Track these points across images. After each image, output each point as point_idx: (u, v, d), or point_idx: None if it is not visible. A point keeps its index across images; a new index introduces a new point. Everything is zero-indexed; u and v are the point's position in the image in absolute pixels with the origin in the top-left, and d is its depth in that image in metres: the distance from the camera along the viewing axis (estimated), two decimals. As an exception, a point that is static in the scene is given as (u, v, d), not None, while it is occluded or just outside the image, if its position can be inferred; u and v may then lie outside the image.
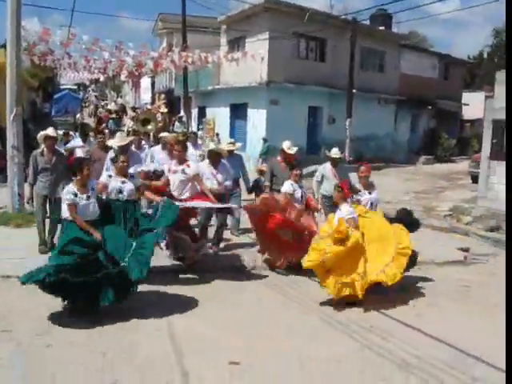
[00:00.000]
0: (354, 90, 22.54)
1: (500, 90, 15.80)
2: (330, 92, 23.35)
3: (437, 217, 14.48)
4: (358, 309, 6.50)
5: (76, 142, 12.07)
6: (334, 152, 9.44)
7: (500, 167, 15.48)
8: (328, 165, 9.67)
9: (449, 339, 5.49)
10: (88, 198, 6.43)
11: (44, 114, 34.69)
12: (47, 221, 8.59)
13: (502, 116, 15.40)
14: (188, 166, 7.90)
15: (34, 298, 6.11)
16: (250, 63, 19.46)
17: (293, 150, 9.34)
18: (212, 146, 9.42)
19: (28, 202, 9.00)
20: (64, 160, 8.79)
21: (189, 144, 11.19)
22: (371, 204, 7.86)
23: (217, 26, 26.56)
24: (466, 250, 10.34)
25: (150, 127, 18.33)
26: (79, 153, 10.84)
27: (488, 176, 16.02)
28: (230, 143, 10.40)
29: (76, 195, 6.40)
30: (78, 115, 31.26)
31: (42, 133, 8.70)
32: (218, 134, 22.40)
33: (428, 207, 15.68)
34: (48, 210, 8.67)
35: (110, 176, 7.12)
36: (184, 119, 25.61)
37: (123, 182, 7.03)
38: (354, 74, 22.61)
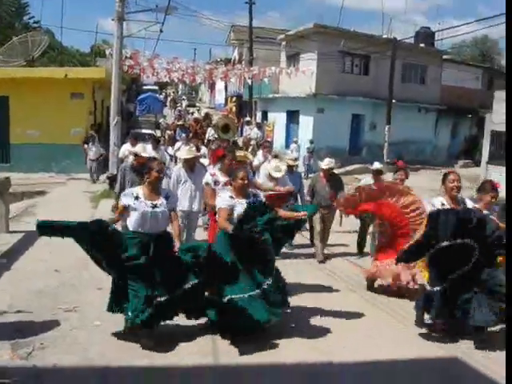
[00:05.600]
0: (393, 100, 25.91)
1: (498, 106, 19.14)
2: (373, 102, 26.80)
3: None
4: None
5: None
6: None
7: (495, 170, 18.82)
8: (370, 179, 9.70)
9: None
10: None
11: (129, 112, 39.59)
12: None
13: (499, 128, 18.83)
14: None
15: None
16: (301, 77, 23.51)
17: (327, 166, 9.36)
18: (275, 174, 9.10)
19: (113, 210, 8.54)
20: None
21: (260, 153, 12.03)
22: None
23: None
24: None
25: (230, 134, 18.38)
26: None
27: (485, 177, 19.34)
28: (291, 159, 10.39)
29: (232, 197, 5.85)
30: (162, 120, 33.80)
31: (132, 150, 9.06)
32: (296, 141, 24.13)
33: (436, 202, 18.85)
34: None
35: (232, 197, 5.85)
36: (265, 127, 28.44)
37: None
38: (395, 86, 25.95)
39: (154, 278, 5.23)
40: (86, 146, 18.27)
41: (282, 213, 6.02)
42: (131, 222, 5.49)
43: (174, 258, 5.39)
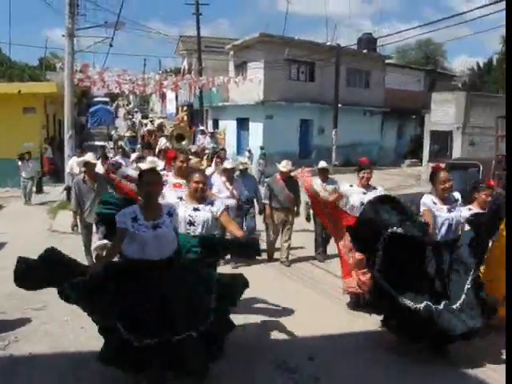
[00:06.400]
0: (339, 105, 26.91)
1: (435, 107, 20.27)
2: (320, 107, 27.79)
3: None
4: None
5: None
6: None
7: (436, 168, 19.85)
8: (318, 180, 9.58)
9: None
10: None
11: (81, 125, 39.69)
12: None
13: (436, 128, 19.95)
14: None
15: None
16: (250, 85, 24.30)
17: (286, 168, 9.42)
18: (226, 164, 9.45)
19: (73, 229, 8.56)
20: (105, 183, 8.47)
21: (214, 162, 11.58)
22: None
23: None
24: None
25: (184, 143, 18.26)
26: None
27: (427, 175, 20.32)
28: (243, 163, 10.44)
29: (181, 199, 5.53)
30: (113, 132, 33.74)
31: (81, 159, 8.88)
32: (249, 150, 24.92)
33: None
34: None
35: (181, 198, 5.53)
36: (217, 135, 28.14)
37: (196, 210, 5.36)
38: (341, 91, 26.97)
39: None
40: (20, 162, 16.99)
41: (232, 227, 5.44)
42: (127, 248, 4.51)
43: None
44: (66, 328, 5.91)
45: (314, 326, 6.30)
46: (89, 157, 8.61)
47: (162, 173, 7.90)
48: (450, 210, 5.61)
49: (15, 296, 7.08)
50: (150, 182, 4.55)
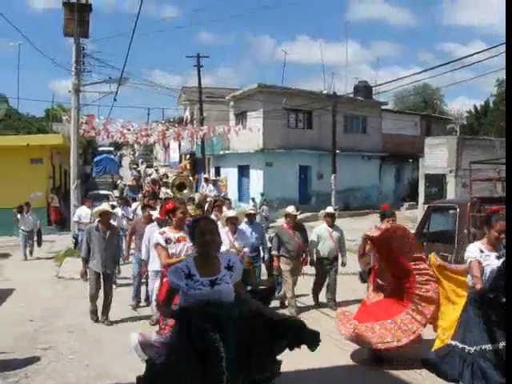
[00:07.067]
0: (337, 151, 27.56)
1: (428, 151, 20.93)
2: (318, 153, 28.47)
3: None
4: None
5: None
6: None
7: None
8: (324, 225, 9.62)
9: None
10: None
11: (86, 174, 40.52)
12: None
13: (430, 171, 20.53)
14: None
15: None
16: (249, 133, 25.08)
17: (294, 212, 9.19)
18: (229, 212, 9.39)
19: (82, 276, 8.83)
20: (117, 234, 9.03)
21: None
22: None
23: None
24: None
25: (185, 191, 18.19)
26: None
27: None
28: (250, 210, 10.31)
29: None
30: (119, 181, 34.23)
31: (98, 208, 9.00)
32: (253, 199, 25.29)
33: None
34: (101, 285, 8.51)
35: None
36: (219, 183, 27.90)
37: None
38: (339, 137, 27.61)
39: None
40: (19, 215, 15.98)
41: None
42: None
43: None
44: (70, 366, 6.38)
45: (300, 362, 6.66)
46: (105, 206, 9.12)
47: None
48: (498, 257, 5.37)
49: (25, 339, 7.60)
50: (207, 230, 4.02)
